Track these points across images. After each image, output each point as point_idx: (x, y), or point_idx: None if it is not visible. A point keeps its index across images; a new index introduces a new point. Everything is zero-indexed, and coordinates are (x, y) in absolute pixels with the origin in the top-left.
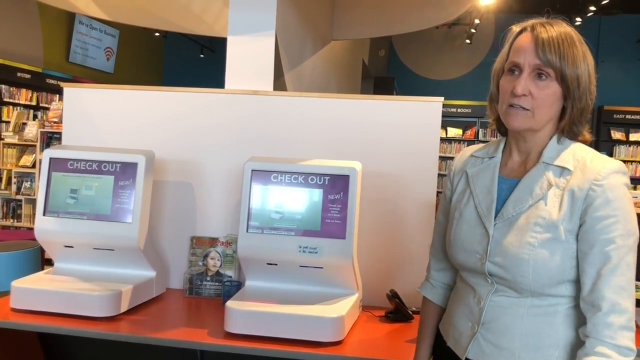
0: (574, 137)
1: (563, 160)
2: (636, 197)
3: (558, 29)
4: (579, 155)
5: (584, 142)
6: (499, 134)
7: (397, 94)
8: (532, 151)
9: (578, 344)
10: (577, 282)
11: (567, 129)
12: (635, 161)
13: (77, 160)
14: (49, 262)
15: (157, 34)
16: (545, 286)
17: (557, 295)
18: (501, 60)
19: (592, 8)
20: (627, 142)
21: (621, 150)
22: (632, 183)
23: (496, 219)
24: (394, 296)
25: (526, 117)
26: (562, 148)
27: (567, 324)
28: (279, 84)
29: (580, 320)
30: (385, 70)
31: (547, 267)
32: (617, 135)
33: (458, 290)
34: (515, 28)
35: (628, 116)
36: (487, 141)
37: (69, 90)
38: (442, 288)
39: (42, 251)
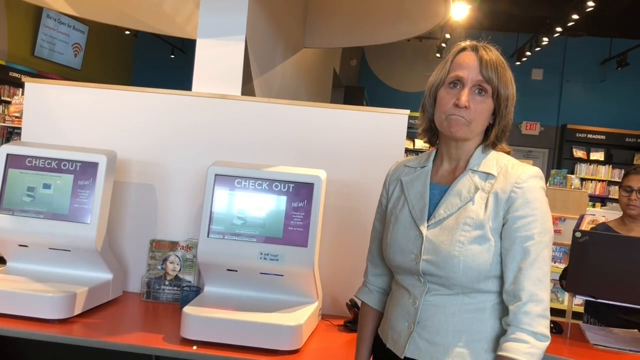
0: (495, 148)
1: (488, 167)
2: (594, 215)
3: (495, 53)
4: (501, 163)
5: (503, 152)
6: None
7: (367, 104)
8: (461, 159)
9: (504, 335)
10: (501, 278)
11: (492, 142)
12: (595, 179)
13: (36, 158)
14: (3, 261)
15: (127, 32)
16: (474, 281)
17: (485, 292)
18: (440, 74)
19: (559, 29)
20: (588, 161)
21: (582, 168)
22: (591, 201)
23: (429, 221)
24: (353, 305)
25: (465, 126)
26: (486, 156)
27: (494, 317)
28: (248, 89)
29: (505, 313)
30: (357, 80)
31: (476, 263)
32: (578, 153)
33: (394, 294)
34: (456, 47)
35: (590, 135)
36: None
37: (30, 85)
38: (378, 292)
39: None
